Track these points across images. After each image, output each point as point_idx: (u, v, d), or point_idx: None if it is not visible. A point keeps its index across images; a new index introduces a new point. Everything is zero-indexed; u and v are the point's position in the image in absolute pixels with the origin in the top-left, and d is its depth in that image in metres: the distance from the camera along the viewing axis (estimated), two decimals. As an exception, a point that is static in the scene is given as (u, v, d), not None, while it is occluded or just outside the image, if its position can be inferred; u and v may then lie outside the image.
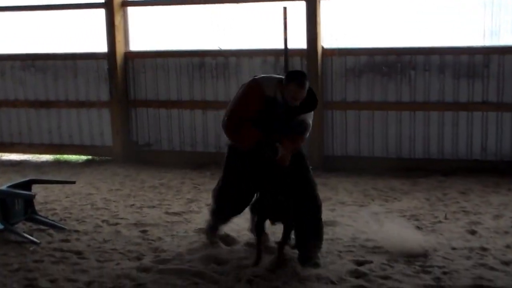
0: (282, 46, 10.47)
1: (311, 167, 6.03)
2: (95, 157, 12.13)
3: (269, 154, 5.57)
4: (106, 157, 11.95)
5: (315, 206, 5.90)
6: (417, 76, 10.35)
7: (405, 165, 10.29)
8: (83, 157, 12.23)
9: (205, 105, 11.34)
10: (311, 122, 5.87)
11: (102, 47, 11.72)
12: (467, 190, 8.96)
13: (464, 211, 7.94)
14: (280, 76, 5.76)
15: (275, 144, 5.57)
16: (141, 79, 11.70)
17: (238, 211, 6.27)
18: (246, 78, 10.63)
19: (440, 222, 7.46)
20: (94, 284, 5.51)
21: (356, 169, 10.27)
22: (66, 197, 9.02)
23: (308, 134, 5.89)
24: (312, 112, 5.82)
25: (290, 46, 10.47)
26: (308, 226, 5.85)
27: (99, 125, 12.06)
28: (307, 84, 5.53)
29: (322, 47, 10.61)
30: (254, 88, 5.58)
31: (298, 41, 10.61)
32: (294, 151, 5.75)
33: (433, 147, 10.41)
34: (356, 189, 9.15)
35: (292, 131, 5.69)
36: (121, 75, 11.64)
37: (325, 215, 7.70)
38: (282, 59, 10.63)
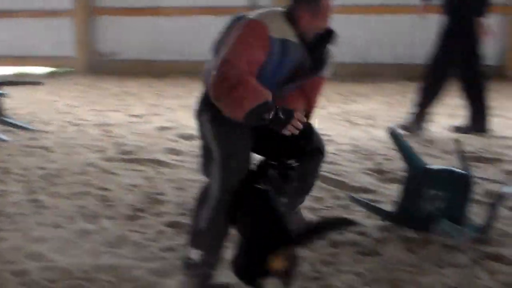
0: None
1: None
2: (57, 69, 13.23)
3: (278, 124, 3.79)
4: (69, 68, 13.05)
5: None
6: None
7: (369, 70, 11.51)
8: (46, 69, 13.30)
9: (171, 12, 12.40)
10: None
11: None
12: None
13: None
14: (279, 9, 4.03)
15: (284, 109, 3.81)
16: (105, -15, 12.74)
17: None
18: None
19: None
20: (63, 171, 6.67)
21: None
22: (31, 103, 10.17)
23: None
24: None
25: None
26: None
27: (62, 35, 13.09)
28: None
29: None
30: (256, 27, 3.90)
31: None
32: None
33: (400, 51, 11.61)
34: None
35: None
36: (85, -19, 12.65)
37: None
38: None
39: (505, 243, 4.65)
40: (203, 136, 4.18)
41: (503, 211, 5.09)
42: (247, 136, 3.99)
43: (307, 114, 4.09)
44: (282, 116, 3.75)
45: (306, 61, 3.97)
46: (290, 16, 3.92)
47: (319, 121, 8.40)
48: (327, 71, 4.12)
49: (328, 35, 4.00)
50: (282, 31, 3.88)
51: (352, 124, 8.50)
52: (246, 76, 3.79)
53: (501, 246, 4.59)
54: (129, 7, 12.62)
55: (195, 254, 4.06)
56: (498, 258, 4.41)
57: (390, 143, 7.47)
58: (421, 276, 4.17)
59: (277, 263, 3.53)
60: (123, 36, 12.79)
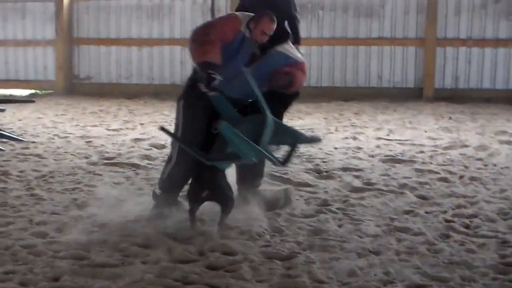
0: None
1: None
2: (37, 90, 13.94)
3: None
4: (49, 90, 13.76)
5: None
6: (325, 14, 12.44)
7: (311, 93, 12.43)
8: (26, 91, 13.99)
9: (141, 42, 13.26)
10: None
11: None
12: (360, 111, 11.09)
13: (352, 125, 10.05)
14: (252, 14, 5.42)
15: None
16: (84, 19, 13.58)
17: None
18: (178, 19, 12.81)
19: (331, 133, 9.53)
20: (54, 173, 7.35)
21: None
22: (19, 120, 10.82)
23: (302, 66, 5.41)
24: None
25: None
26: None
27: (44, 62, 13.85)
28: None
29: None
30: (234, 18, 5.38)
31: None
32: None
33: (336, 76, 12.67)
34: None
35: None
36: (67, 16, 13.48)
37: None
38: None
39: (411, 220, 5.49)
40: (177, 116, 5.47)
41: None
42: (204, 120, 5.29)
43: (293, 85, 5.24)
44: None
45: (257, 52, 5.34)
46: (251, 21, 5.30)
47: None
48: (300, 56, 5.41)
49: (278, 39, 5.37)
50: (245, 29, 5.27)
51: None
52: (215, 40, 5.10)
53: (408, 222, 5.43)
54: (104, 38, 13.47)
55: (158, 191, 5.65)
56: (404, 230, 5.24)
57: (327, 150, 8.40)
58: (346, 243, 4.97)
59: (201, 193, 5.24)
60: (99, 63, 13.61)
